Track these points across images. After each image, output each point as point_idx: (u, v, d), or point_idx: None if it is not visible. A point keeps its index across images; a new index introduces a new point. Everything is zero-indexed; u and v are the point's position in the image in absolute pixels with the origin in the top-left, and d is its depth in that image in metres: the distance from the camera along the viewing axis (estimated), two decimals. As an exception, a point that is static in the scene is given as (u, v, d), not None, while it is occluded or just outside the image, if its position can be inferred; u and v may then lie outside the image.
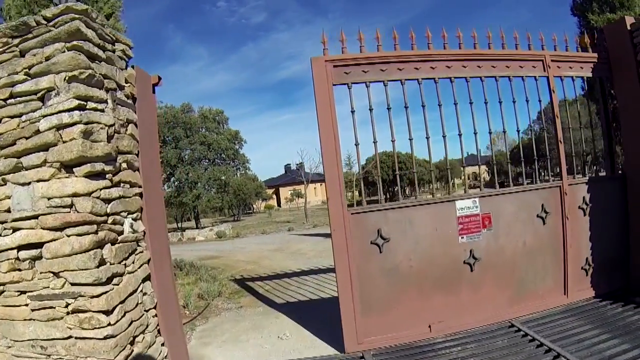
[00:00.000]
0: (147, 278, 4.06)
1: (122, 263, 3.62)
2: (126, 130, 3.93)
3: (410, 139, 4.91)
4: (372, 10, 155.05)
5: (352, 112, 4.68)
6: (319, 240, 17.42)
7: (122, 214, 3.71)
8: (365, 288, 4.62)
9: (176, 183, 27.25)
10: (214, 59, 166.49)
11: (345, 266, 4.56)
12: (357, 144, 4.81)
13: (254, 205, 58.94)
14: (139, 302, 3.83)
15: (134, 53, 4.20)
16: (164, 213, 4.58)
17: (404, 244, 4.70)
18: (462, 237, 4.83)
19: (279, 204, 62.53)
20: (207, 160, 27.94)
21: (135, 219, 3.94)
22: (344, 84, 4.69)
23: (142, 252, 4.02)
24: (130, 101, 4.08)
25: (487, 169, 72.78)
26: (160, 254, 4.36)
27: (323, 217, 32.20)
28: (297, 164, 46.67)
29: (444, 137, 5.04)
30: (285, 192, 60.82)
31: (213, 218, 54.22)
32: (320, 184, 63.31)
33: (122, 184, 3.76)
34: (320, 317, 6.10)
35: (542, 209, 5.15)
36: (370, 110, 4.80)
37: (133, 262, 3.82)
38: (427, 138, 4.96)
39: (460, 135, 5.08)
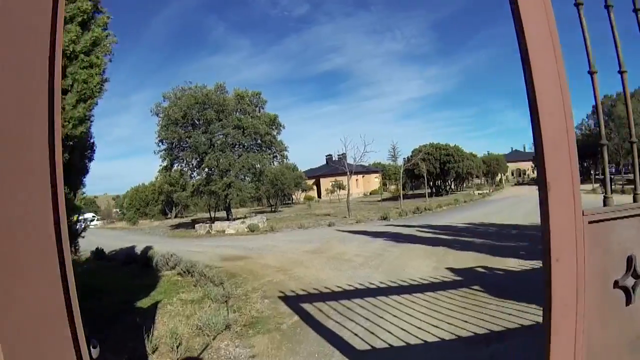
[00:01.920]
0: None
1: None
2: None
3: None
4: (414, 2, 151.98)
5: (578, 4, 1.90)
6: (365, 240, 14.67)
7: None
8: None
9: (206, 170, 24.99)
10: (256, 50, 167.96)
11: (570, 337, 1.74)
12: (593, 72, 1.97)
13: (293, 196, 56.77)
14: None
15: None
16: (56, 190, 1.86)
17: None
18: None
19: (319, 196, 59.98)
20: (240, 147, 25.56)
21: None
22: None
23: None
24: None
25: (532, 165, 69.57)
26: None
27: (366, 212, 29.52)
28: (340, 155, 44.06)
29: None
30: (326, 183, 58.15)
31: (250, 208, 52.34)
32: (362, 176, 60.59)
33: None
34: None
35: None
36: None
37: None
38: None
39: None
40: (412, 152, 42.11)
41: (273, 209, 42.71)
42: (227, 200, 26.04)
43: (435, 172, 41.33)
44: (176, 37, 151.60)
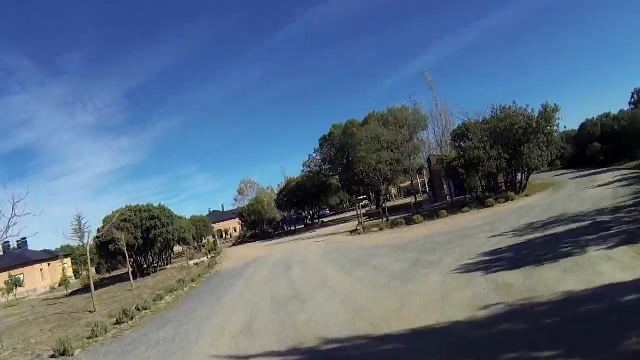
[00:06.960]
0: None
1: None
2: None
3: None
4: (109, 73, 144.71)
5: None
6: None
7: None
8: None
9: None
10: None
11: None
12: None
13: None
14: None
15: None
16: None
17: None
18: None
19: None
20: None
21: None
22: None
23: None
24: None
25: (240, 222, 64.57)
26: None
27: (36, 331, 17.00)
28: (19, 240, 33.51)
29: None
30: (1, 279, 43.99)
31: None
32: (48, 264, 48.35)
33: None
34: None
35: None
36: None
37: None
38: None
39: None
40: (104, 220, 32.78)
41: None
42: None
43: (138, 243, 31.45)
44: None
